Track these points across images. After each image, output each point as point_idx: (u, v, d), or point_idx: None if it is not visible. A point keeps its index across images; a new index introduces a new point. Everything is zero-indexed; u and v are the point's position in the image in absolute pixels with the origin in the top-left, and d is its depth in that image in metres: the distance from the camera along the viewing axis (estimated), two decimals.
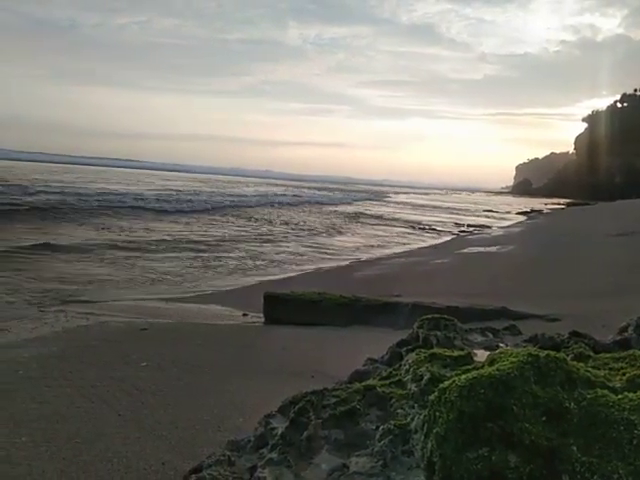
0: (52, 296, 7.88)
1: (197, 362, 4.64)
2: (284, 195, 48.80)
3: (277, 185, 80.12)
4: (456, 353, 2.83)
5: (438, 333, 3.62)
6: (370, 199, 56.71)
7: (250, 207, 31.21)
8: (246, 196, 40.08)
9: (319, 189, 74.73)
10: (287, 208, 34.14)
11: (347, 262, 12.58)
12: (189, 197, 32.67)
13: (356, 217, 30.18)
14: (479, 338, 3.71)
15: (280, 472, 2.17)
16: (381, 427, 2.31)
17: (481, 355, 2.84)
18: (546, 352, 1.70)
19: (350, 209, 37.70)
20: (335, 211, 34.76)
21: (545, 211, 48.71)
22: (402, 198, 66.55)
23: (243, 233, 18.78)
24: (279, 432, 2.39)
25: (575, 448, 1.43)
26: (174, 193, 35.35)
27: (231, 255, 13.25)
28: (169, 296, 8.32)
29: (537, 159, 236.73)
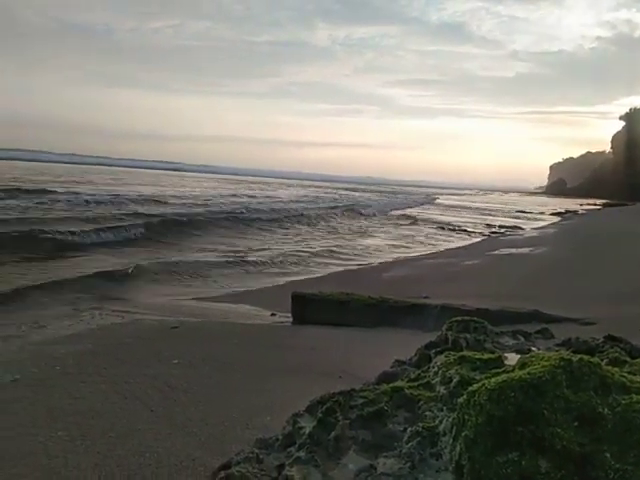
0: (89, 293, 8.11)
1: (227, 360, 4.71)
2: (337, 199, 43.67)
3: (312, 187, 75.87)
4: (486, 356, 2.79)
5: (468, 335, 3.57)
6: (426, 202, 51.03)
7: (320, 214, 26.78)
8: (302, 202, 35.73)
9: (359, 191, 70.37)
10: (350, 215, 29.44)
11: (376, 263, 12.51)
12: (259, 204, 29.32)
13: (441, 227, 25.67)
14: (510, 341, 3.65)
15: (308, 471, 2.18)
16: (409, 429, 2.30)
17: (512, 359, 2.79)
18: (579, 356, 1.67)
19: (418, 214, 33.35)
20: (403, 215, 31.20)
21: (580, 212, 47.37)
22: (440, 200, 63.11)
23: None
24: (307, 431, 2.40)
25: (609, 455, 1.39)
26: (241, 199, 33.37)
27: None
28: (202, 295, 8.48)
29: (572, 158, 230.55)
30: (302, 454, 2.28)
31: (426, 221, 28.18)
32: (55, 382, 4.13)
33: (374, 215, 30.82)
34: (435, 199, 60.74)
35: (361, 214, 30.35)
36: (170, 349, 5.03)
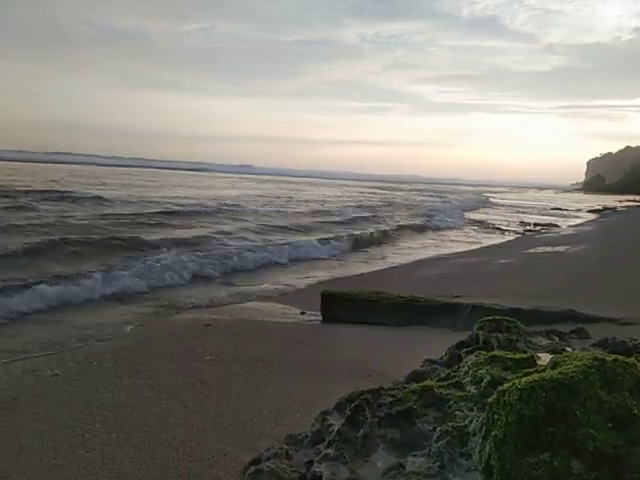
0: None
1: (257, 358, 4.77)
2: (389, 201, 37.73)
3: (347, 186, 72.35)
4: (518, 356, 2.75)
5: (499, 335, 3.51)
6: (481, 203, 44.46)
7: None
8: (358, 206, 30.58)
9: (401, 190, 65.50)
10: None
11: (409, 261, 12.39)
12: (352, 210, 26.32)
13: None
14: (544, 341, 3.57)
15: (336, 468, 2.19)
16: (438, 428, 2.28)
17: (546, 359, 2.74)
18: (614, 356, 1.62)
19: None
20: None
21: (619, 209, 45.70)
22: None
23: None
24: (335, 429, 2.41)
25: None
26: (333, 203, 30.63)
27: None
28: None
29: (610, 154, 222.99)
30: (331, 451, 2.29)
31: (509, 230, 22.07)
32: (92, 376, 4.27)
33: (449, 228, 22.31)
34: (488, 198, 55.09)
35: (437, 228, 21.67)
36: (202, 346, 5.13)
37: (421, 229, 20.67)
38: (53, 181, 33.31)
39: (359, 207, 29.68)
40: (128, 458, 2.89)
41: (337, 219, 21.54)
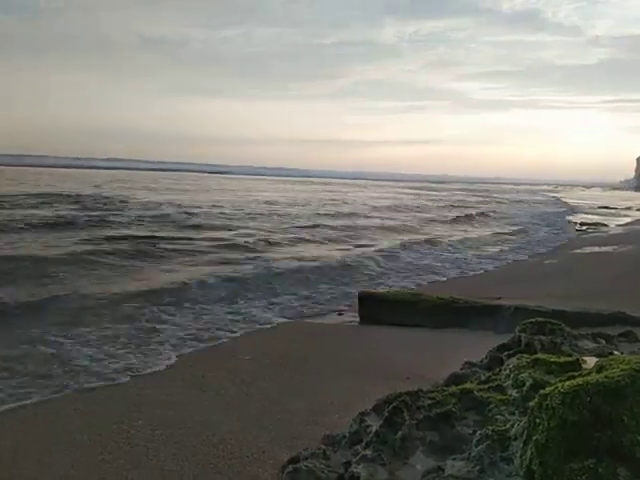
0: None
1: (296, 358, 4.81)
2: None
3: (398, 187, 67.34)
4: (562, 359, 2.67)
5: (543, 338, 3.42)
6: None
7: None
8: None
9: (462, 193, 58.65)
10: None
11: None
12: None
13: None
14: (590, 344, 3.45)
15: (374, 469, 2.19)
16: (478, 432, 2.25)
17: (592, 363, 2.65)
18: None
19: None
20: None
21: None
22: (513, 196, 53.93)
23: None
24: (373, 430, 2.41)
25: None
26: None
27: None
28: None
29: None
30: (369, 452, 2.29)
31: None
32: None
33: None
34: (558, 199, 49.41)
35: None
36: (243, 346, 5.22)
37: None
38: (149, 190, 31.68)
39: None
40: (171, 454, 2.97)
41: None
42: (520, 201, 43.75)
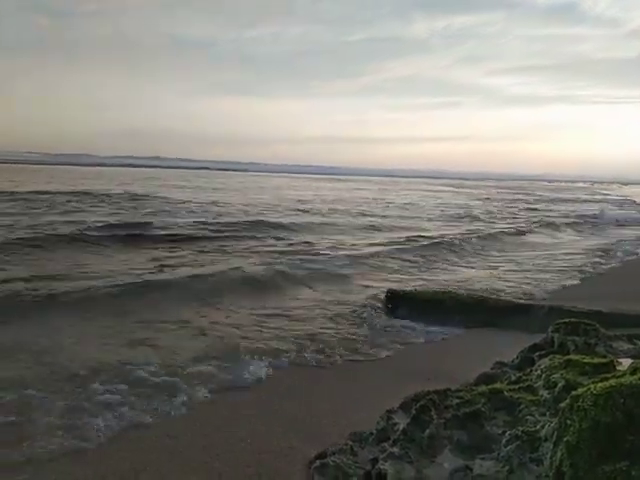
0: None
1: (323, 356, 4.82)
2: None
3: (436, 185, 63.10)
4: (596, 360, 2.61)
5: (576, 338, 3.35)
6: None
7: None
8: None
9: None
10: None
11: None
12: None
13: None
14: (625, 346, 3.36)
15: (401, 467, 2.19)
16: (508, 432, 2.22)
17: (627, 364, 2.58)
18: None
19: None
20: None
21: None
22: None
23: None
24: (401, 428, 2.41)
25: None
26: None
27: None
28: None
29: None
30: (396, 450, 2.30)
31: None
32: None
33: None
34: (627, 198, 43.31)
35: None
36: None
37: None
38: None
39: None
40: (201, 447, 3.03)
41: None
42: (586, 201, 38.53)
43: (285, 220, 16.02)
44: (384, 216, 19.98)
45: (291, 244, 11.73)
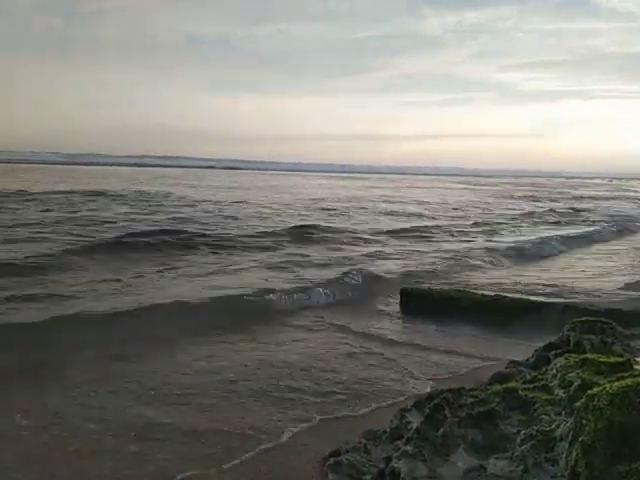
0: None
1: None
2: None
3: (455, 182, 58.84)
4: (612, 359, 2.58)
5: (593, 337, 3.31)
6: None
7: None
8: None
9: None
10: None
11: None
12: None
13: None
14: None
15: (415, 465, 2.20)
16: (523, 432, 2.21)
17: None
18: None
19: None
20: None
21: None
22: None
23: None
24: (414, 426, 2.41)
25: None
26: None
27: None
28: None
29: None
30: (409, 448, 2.30)
31: None
32: None
33: None
34: None
35: None
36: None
37: None
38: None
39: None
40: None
41: None
42: (615, 198, 35.41)
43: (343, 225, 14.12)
44: (453, 217, 18.30)
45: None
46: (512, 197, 32.66)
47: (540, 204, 26.81)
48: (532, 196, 33.94)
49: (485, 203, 26.23)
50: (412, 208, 21.28)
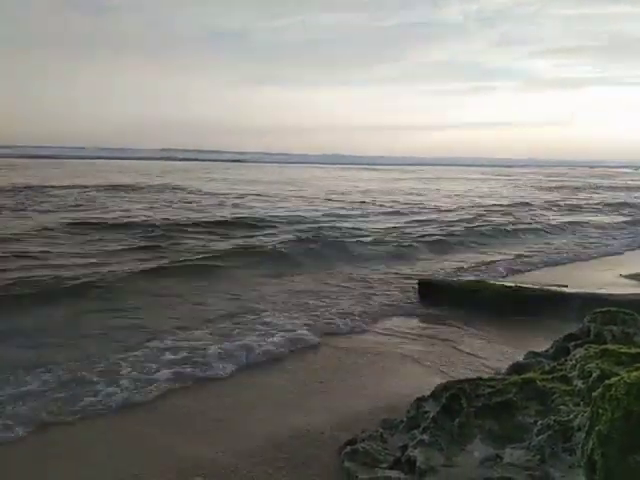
0: None
1: (354, 346, 4.85)
2: None
3: (483, 173, 53.24)
4: (634, 350, 2.55)
5: (614, 328, 3.26)
6: None
7: None
8: None
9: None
10: None
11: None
12: None
13: None
14: None
15: (431, 454, 2.21)
16: (540, 422, 2.20)
17: None
18: None
19: None
20: None
21: None
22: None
23: None
24: (431, 415, 2.42)
25: None
26: None
27: None
28: None
29: None
30: (426, 437, 2.31)
31: None
32: None
33: None
34: None
35: None
36: None
37: None
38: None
39: None
40: (249, 434, 3.12)
41: None
42: None
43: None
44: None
45: None
46: (549, 189, 30.32)
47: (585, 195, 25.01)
48: (575, 187, 31.89)
49: (548, 195, 23.76)
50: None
